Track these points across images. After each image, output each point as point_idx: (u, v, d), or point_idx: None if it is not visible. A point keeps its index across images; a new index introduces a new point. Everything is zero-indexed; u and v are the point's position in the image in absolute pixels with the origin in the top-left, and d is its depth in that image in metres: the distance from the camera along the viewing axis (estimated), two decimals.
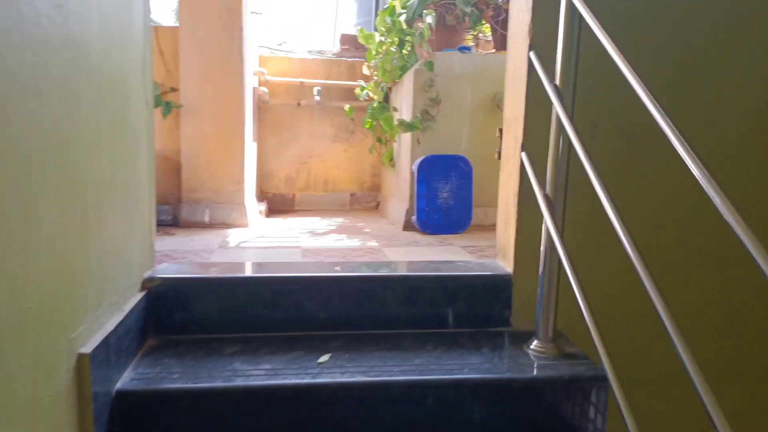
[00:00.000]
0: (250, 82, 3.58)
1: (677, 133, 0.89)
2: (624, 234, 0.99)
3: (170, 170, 3.42)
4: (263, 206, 3.91)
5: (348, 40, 4.46)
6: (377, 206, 4.40)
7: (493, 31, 3.51)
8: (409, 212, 3.33)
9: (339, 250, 2.69)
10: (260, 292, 1.55)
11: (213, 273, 1.59)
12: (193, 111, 3.30)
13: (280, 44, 4.50)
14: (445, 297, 1.61)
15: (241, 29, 3.25)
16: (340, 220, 3.84)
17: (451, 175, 3.20)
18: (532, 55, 1.50)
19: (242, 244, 2.85)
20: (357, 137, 4.36)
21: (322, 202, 4.39)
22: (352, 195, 4.43)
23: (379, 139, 4.02)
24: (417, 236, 3.13)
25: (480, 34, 3.82)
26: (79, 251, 1.05)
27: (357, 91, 3.94)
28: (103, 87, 1.18)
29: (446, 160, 3.23)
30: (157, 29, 3.31)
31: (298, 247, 2.80)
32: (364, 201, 4.44)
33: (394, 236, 3.15)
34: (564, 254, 1.24)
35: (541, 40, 1.51)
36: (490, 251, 2.69)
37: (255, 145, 3.94)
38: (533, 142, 1.53)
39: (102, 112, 1.17)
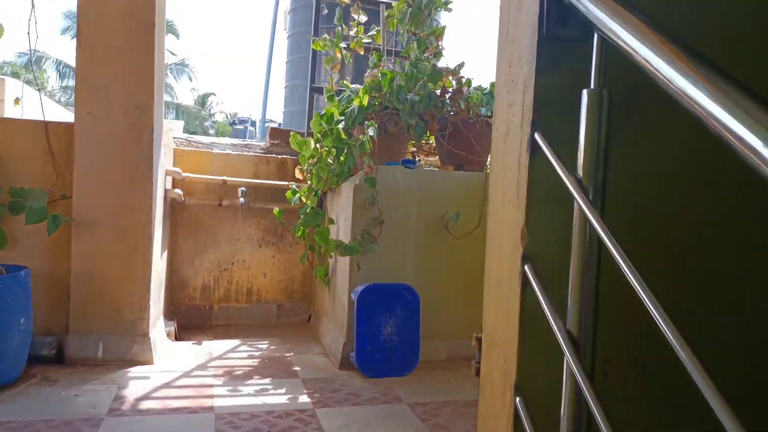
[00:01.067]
0: (161, 187, 3.10)
1: None
2: None
3: (56, 293, 2.83)
4: (172, 326, 3.35)
5: (278, 135, 4.09)
6: (308, 320, 3.93)
7: (439, 145, 3.26)
8: (347, 346, 2.90)
9: (262, 417, 2.20)
10: None
11: None
12: (88, 223, 2.76)
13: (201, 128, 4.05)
14: None
15: (151, 130, 2.80)
16: (265, 345, 3.34)
17: (395, 307, 2.82)
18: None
19: (140, 405, 2.30)
20: (287, 241, 3.92)
21: (244, 315, 3.87)
22: (279, 307, 3.94)
23: (311, 248, 3.60)
24: (357, 381, 2.69)
25: (423, 143, 3.57)
26: None
27: (288, 194, 3.54)
28: None
29: (390, 290, 2.85)
30: (47, 125, 2.80)
31: (211, 408, 2.28)
32: (294, 314, 3.96)
33: (330, 380, 2.69)
34: None
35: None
36: (446, 416, 2.29)
37: (165, 254, 3.41)
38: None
39: None
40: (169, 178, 3.42)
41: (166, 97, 28.62)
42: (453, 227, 3.06)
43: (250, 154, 3.87)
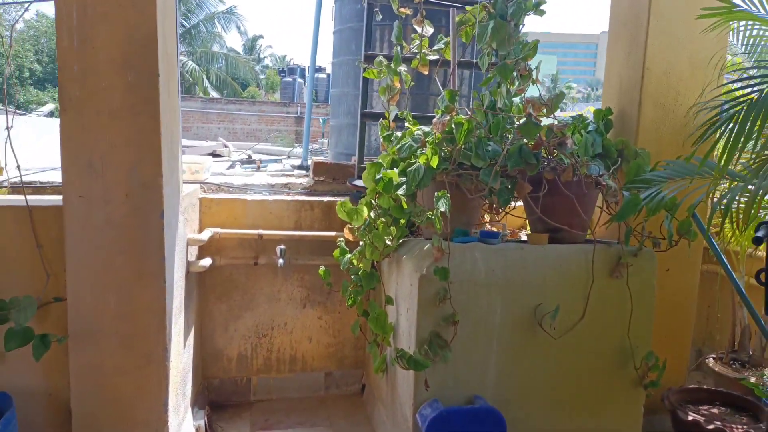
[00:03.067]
0: (180, 271, 2.55)
1: None
2: None
3: (54, 413, 2.37)
4: (202, 419, 2.88)
5: (323, 170, 3.45)
6: (362, 390, 3.39)
7: (529, 210, 2.55)
8: None
9: None
10: None
11: None
12: (88, 333, 2.26)
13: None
14: None
15: (161, 212, 2.22)
16: None
17: None
18: None
19: None
20: (335, 299, 3.35)
21: (287, 387, 3.36)
22: (328, 375, 3.41)
23: (365, 313, 3.01)
24: None
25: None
26: None
27: (336, 253, 2.93)
28: None
29: (468, 417, 2.24)
30: (32, 210, 2.27)
31: None
32: (345, 383, 3.43)
33: None
34: None
35: None
36: None
37: (192, 331, 2.90)
38: None
39: None
40: (194, 248, 2.87)
41: (215, 47, 28.33)
42: (550, 323, 2.38)
43: (291, 199, 3.26)
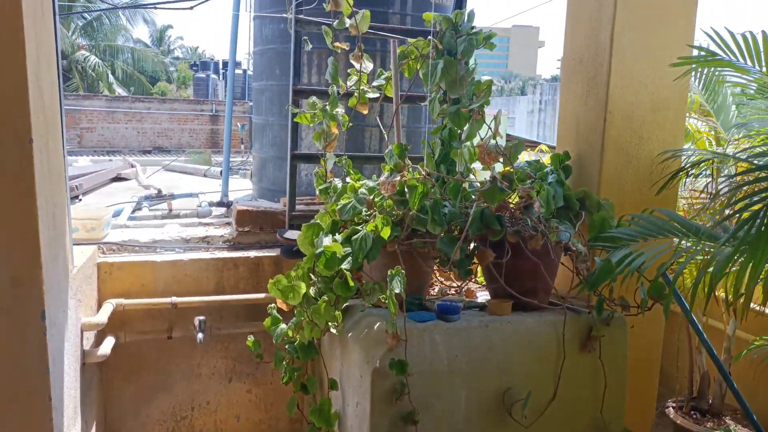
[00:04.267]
0: (72, 372, 2.08)
1: None
2: None
3: None
4: None
5: (249, 219, 3.04)
6: None
7: (490, 278, 2.28)
8: None
9: None
10: None
11: None
12: None
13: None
14: None
15: (41, 312, 1.76)
16: None
17: None
18: None
19: None
20: (266, 369, 2.95)
21: None
22: None
23: (303, 387, 2.63)
24: None
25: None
26: None
27: (267, 322, 2.53)
28: None
29: None
30: None
31: None
32: None
33: None
34: None
35: None
36: None
37: (93, 427, 2.42)
38: None
39: None
40: (91, 333, 2.39)
41: (120, 40, 26.55)
42: (521, 411, 2.11)
43: (210, 257, 2.82)
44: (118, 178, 6.30)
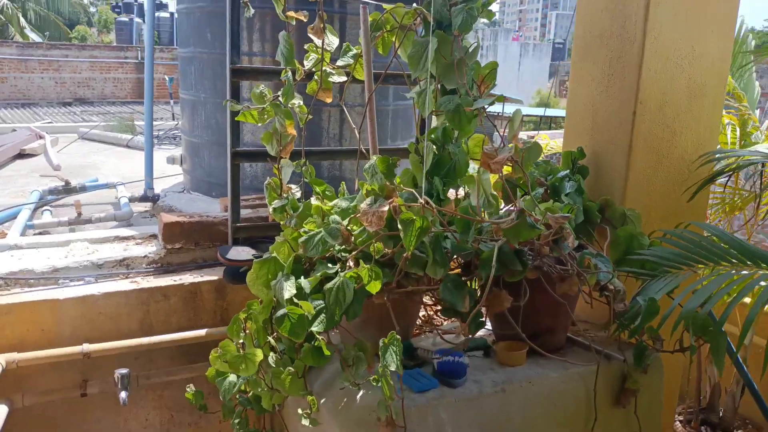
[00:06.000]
0: None
1: None
2: None
3: None
4: None
5: (181, 233, 2.42)
6: None
7: (501, 324, 1.80)
8: None
9: None
10: None
11: None
12: None
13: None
14: None
15: None
16: None
17: None
18: None
19: None
20: (214, 419, 2.41)
21: None
22: None
23: None
24: None
25: None
26: None
27: (211, 373, 1.98)
28: None
29: None
30: None
31: None
32: None
33: None
34: None
35: None
36: None
37: None
38: None
39: None
40: None
41: None
42: None
43: (131, 289, 2.22)
44: (21, 155, 5.38)
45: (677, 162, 2.11)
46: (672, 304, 1.73)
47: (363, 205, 1.57)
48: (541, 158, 2.05)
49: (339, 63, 2.09)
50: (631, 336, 1.79)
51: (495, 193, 1.66)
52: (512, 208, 1.54)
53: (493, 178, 1.74)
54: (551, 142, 3.18)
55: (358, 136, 2.04)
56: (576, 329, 2.17)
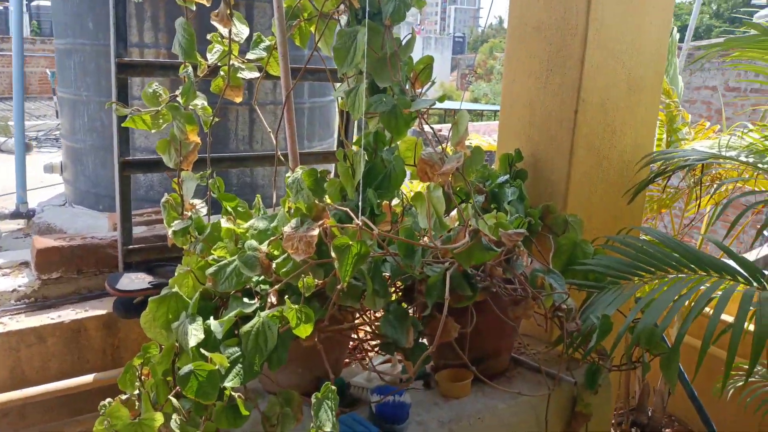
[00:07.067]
0: None
1: None
2: None
3: None
4: None
5: (60, 259, 2.01)
6: None
7: (446, 354, 1.59)
8: None
9: None
10: None
11: None
12: None
13: None
14: None
15: None
16: None
17: None
18: None
19: None
20: None
21: None
22: None
23: None
24: None
25: None
26: None
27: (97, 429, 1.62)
28: None
29: None
30: None
31: None
32: None
33: None
34: None
35: None
36: None
37: None
38: None
39: None
40: None
41: None
42: None
43: None
44: None
45: (617, 163, 1.99)
46: (626, 321, 1.59)
47: (287, 229, 1.30)
48: None
49: (249, 56, 1.79)
50: (584, 357, 1.65)
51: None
52: (463, 227, 1.32)
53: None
54: (482, 141, 3.03)
55: (274, 140, 1.75)
56: (518, 344, 2.02)
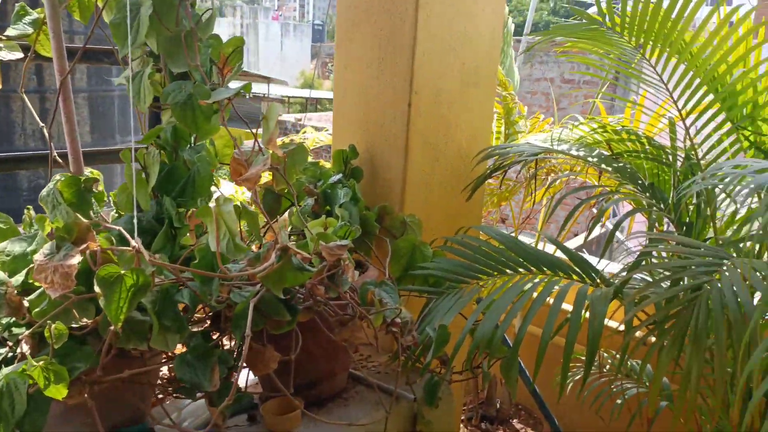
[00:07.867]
0: None
1: None
2: None
3: None
4: None
5: None
6: None
7: (269, 385, 1.37)
8: None
9: None
10: None
11: None
12: None
13: None
14: None
15: None
16: None
17: None
18: None
19: None
20: None
21: None
22: None
23: None
24: None
25: None
26: None
27: None
28: None
29: None
30: None
31: None
32: None
33: None
34: None
35: None
36: None
37: None
38: None
39: None
40: None
41: None
42: None
43: None
44: None
45: (454, 158, 1.89)
46: (464, 328, 1.48)
47: (39, 257, 1.00)
48: (309, 158, 1.67)
49: (10, 32, 1.42)
50: (422, 372, 1.52)
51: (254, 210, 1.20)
52: (273, 243, 1.10)
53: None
54: (321, 134, 2.82)
55: (47, 136, 1.41)
56: (359, 356, 1.86)
